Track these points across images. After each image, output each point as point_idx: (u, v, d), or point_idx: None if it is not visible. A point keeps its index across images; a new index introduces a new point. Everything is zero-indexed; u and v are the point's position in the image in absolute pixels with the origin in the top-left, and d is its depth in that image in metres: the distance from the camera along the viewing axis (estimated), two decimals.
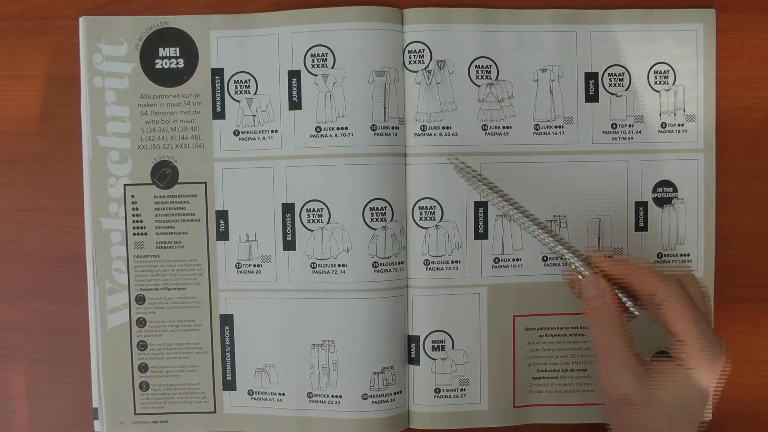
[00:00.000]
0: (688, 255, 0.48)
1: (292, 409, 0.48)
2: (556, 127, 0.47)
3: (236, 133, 0.47)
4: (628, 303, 0.41)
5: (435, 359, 0.47)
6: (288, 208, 0.47)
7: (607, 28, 0.47)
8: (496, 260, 0.48)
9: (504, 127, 0.47)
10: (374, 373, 0.47)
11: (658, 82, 0.48)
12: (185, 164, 0.47)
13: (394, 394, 0.47)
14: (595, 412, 0.48)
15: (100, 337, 0.48)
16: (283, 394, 0.48)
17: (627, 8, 0.47)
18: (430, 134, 0.47)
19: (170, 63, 0.47)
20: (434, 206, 0.47)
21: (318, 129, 0.46)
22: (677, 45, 0.48)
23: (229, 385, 0.48)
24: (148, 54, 0.47)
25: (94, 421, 0.48)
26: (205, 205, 0.48)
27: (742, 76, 0.48)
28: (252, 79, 0.47)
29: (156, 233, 0.47)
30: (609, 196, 0.48)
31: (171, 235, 0.48)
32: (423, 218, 0.47)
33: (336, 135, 0.46)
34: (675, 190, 0.48)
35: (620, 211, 0.48)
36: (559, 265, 0.47)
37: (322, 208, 0.47)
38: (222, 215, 0.48)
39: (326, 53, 0.46)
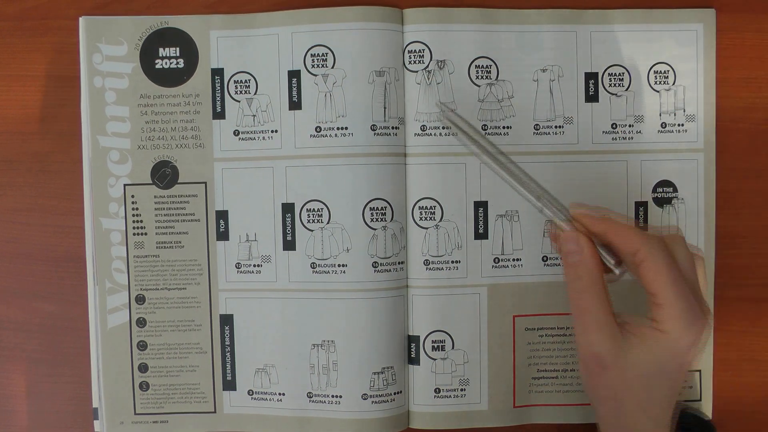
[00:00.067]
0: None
1: (292, 409, 0.48)
2: (556, 127, 0.47)
3: (236, 133, 0.47)
4: (609, 261, 0.39)
5: (435, 359, 0.47)
6: (288, 208, 0.47)
7: (607, 28, 0.47)
8: (496, 260, 0.48)
9: (504, 127, 0.47)
10: (374, 373, 0.47)
11: (658, 82, 0.48)
12: (185, 164, 0.47)
13: (394, 394, 0.47)
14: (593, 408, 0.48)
15: (100, 337, 0.48)
16: (283, 394, 0.48)
17: (627, 8, 0.47)
18: (430, 134, 0.47)
19: (170, 63, 0.47)
20: (434, 206, 0.47)
21: (318, 129, 0.46)
22: (677, 45, 0.48)
23: (229, 385, 0.48)
24: (148, 54, 0.47)
25: (94, 421, 0.48)
26: (205, 205, 0.48)
27: (742, 76, 0.48)
28: (252, 79, 0.47)
29: (156, 233, 0.47)
30: (609, 196, 0.48)
31: (171, 235, 0.48)
32: (423, 218, 0.47)
33: (336, 135, 0.46)
34: (675, 190, 0.48)
35: (620, 211, 0.48)
36: (558, 264, 0.47)
37: (322, 208, 0.47)
38: (222, 215, 0.48)
39: (326, 53, 0.46)
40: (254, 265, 0.48)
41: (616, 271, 0.39)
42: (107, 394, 0.48)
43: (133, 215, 0.47)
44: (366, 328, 0.46)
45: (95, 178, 0.47)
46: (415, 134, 0.47)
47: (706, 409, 0.49)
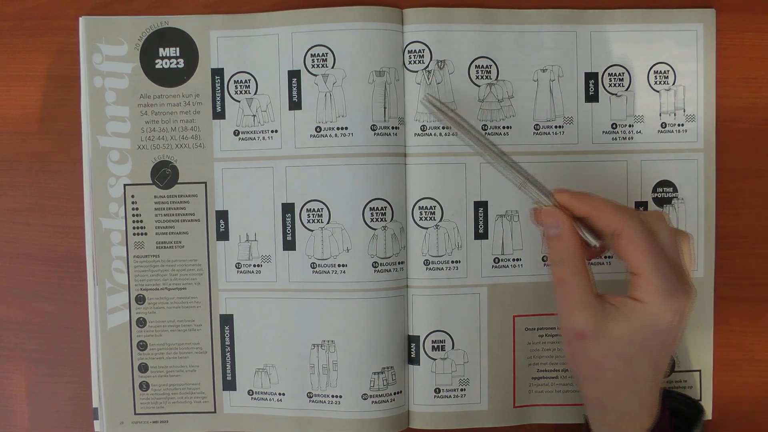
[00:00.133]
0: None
1: (292, 409, 0.48)
2: (556, 127, 0.47)
3: (236, 133, 0.47)
4: (589, 238, 0.39)
5: (435, 359, 0.47)
6: (288, 208, 0.47)
7: (607, 28, 0.47)
8: (496, 260, 0.48)
9: (504, 127, 0.47)
10: (374, 373, 0.47)
11: (658, 82, 0.48)
12: (185, 164, 0.47)
13: (394, 394, 0.47)
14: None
15: (100, 337, 0.48)
16: (283, 394, 0.48)
17: (627, 8, 0.47)
18: (430, 134, 0.47)
19: (170, 63, 0.47)
20: (434, 206, 0.47)
21: (318, 129, 0.46)
22: (677, 45, 0.48)
23: (229, 385, 0.48)
24: (148, 54, 0.47)
25: (94, 421, 0.48)
26: (205, 205, 0.48)
27: (742, 76, 0.48)
28: (252, 79, 0.47)
29: (156, 233, 0.47)
30: (609, 196, 0.47)
31: (171, 235, 0.48)
32: (423, 218, 0.47)
33: (336, 135, 0.46)
34: (675, 190, 0.48)
35: None
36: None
37: (322, 208, 0.47)
38: (222, 215, 0.48)
39: (326, 53, 0.46)
40: (254, 265, 0.48)
41: (594, 245, 0.39)
42: (107, 394, 0.48)
43: (133, 215, 0.47)
44: (366, 328, 0.46)
45: (95, 178, 0.47)
46: (415, 134, 0.47)
47: (706, 409, 0.49)
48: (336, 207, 0.46)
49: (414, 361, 0.48)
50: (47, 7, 0.48)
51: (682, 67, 0.48)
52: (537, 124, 0.47)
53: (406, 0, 0.47)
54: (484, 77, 0.47)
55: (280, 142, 0.47)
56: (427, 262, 0.47)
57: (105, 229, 0.47)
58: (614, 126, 0.48)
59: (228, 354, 0.48)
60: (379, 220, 0.46)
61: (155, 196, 0.47)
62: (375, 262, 0.46)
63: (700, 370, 0.49)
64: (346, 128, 0.46)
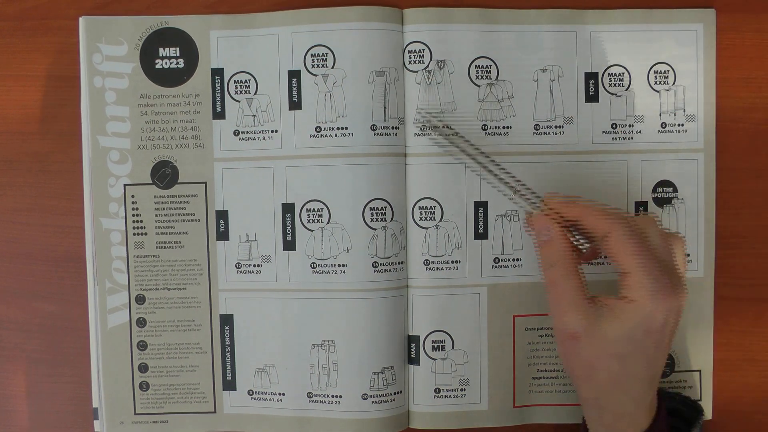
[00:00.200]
0: (689, 255, 0.48)
1: (292, 409, 0.48)
2: (556, 127, 0.47)
3: (236, 133, 0.47)
4: (580, 242, 0.40)
5: (435, 359, 0.47)
6: (288, 208, 0.47)
7: (607, 28, 0.47)
8: (496, 260, 0.48)
9: (504, 127, 0.47)
10: (374, 373, 0.47)
11: (658, 82, 0.48)
12: (185, 164, 0.47)
13: (394, 394, 0.47)
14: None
15: (100, 337, 0.48)
16: (283, 394, 0.48)
17: (627, 8, 0.47)
18: (431, 134, 0.46)
19: (170, 63, 0.47)
20: (434, 206, 0.47)
21: (318, 129, 0.46)
22: (677, 45, 0.48)
23: (229, 385, 0.48)
24: (148, 54, 0.47)
25: (94, 421, 0.48)
26: (205, 205, 0.48)
27: (742, 76, 0.48)
28: (252, 79, 0.47)
29: (156, 233, 0.47)
30: (609, 196, 0.48)
31: (171, 235, 0.48)
32: (423, 218, 0.47)
33: (336, 135, 0.46)
34: (675, 190, 0.48)
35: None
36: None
37: (322, 208, 0.47)
38: (222, 215, 0.48)
39: (326, 53, 0.46)
40: (254, 265, 0.48)
41: (584, 248, 0.40)
42: (107, 394, 0.48)
43: (133, 215, 0.47)
44: (366, 328, 0.46)
45: (95, 178, 0.47)
46: (415, 134, 0.47)
47: (706, 409, 0.49)
48: (336, 207, 0.46)
49: (414, 361, 0.48)
50: (47, 7, 0.48)
51: (682, 67, 0.48)
52: (537, 124, 0.47)
53: (406, 0, 0.47)
54: (484, 77, 0.47)
55: (280, 142, 0.47)
56: (427, 262, 0.47)
57: (105, 229, 0.47)
58: (614, 126, 0.48)
59: (228, 354, 0.48)
60: (379, 220, 0.46)
61: (155, 196, 0.47)
62: (375, 262, 0.46)
63: (700, 370, 0.49)
64: (346, 128, 0.46)
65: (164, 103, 0.47)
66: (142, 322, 0.48)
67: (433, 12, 0.46)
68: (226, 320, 0.48)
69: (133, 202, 0.47)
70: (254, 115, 0.47)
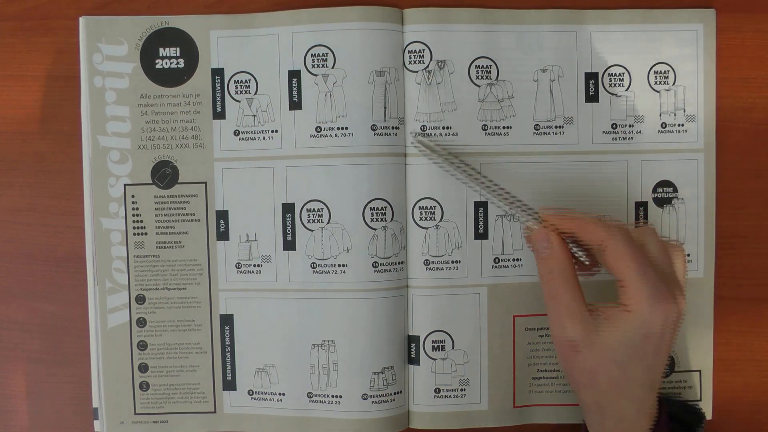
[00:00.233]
0: (689, 255, 0.48)
1: (292, 409, 0.48)
2: (556, 127, 0.47)
3: (236, 133, 0.47)
4: (579, 254, 0.41)
5: (435, 359, 0.47)
6: (288, 208, 0.47)
7: (607, 28, 0.47)
8: (497, 260, 0.48)
9: (504, 128, 0.47)
10: (374, 373, 0.47)
11: (658, 82, 0.48)
12: (185, 164, 0.47)
13: (394, 394, 0.47)
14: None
15: (100, 337, 0.48)
16: (283, 394, 0.48)
17: (627, 8, 0.47)
18: (430, 134, 0.47)
19: (170, 63, 0.47)
20: (434, 206, 0.47)
21: (318, 129, 0.46)
22: (677, 45, 0.48)
23: (229, 385, 0.48)
24: (148, 54, 0.47)
25: (94, 421, 0.48)
26: (206, 205, 0.48)
27: (742, 76, 0.48)
28: (252, 79, 0.47)
29: (156, 233, 0.47)
30: (609, 196, 0.48)
31: (171, 235, 0.48)
32: (423, 218, 0.47)
33: (336, 135, 0.46)
34: (675, 190, 0.48)
35: (620, 211, 0.48)
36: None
37: (322, 208, 0.47)
38: (222, 215, 0.48)
39: (326, 53, 0.46)
40: (254, 265, 0.48)
41: (585, 261, 0.41)
42: (107, 394, 0.48)
43: (133, 215, 0.47)
44: (366, 328, 0.46)
45: (95, 178, 0.47)
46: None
47: (706, 409, 0.49)
48: (336, 207, 0.46)
49: (414, 361, 0.48)
50: (47, 7, 0.48)
51: (682, 67, 0.48)
52: (537, 124, 0.47)
53: (406, 0, 0.47)
54: (485, 77, 0.47)
55: (281, 142, 0.47)
56: (427, 262, 0.47)
57: (105, 229, 0.47)
58: (614, 126, 0.48)
59: (228, 354, 0.48)
60: (380, 220, 0.46)
61: (155, 196, 0.47)
62: (375, 262, 0.46)
63: (700, 370, 0.49)
64: (347, 128, 0.46)
65: (164, 103, 0.47)
66: (142, 322, 0.48)
67: (433, 12, 0.46)
68: (226, 320, 0.48)
69: (133, 202, 0.47)
70: (254, 115, 0.47)
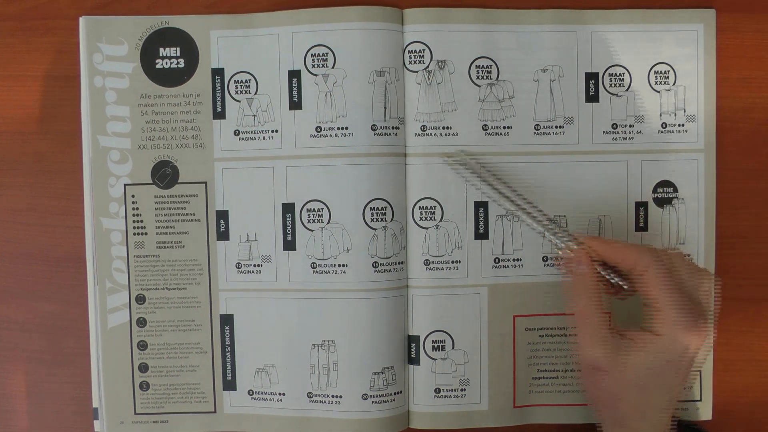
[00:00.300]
0: (689, 255, 0.48)
1: (292, 409, 0.48)
2: (556, 127, 0.47)
3: (236, 133, 0.47)
4: (617, 279, 0.42)
5: (435, 359, 0.47)
6: (288, 208, 0.47)
7: (607, 28, 0.47)
8: (497, 260, 0.48)
9: (504, 128, 0.47)
10: (374, 373, 0.47)
11: (658, 83, 0.48)
12: (185, 164, 0.47)
13: (394, 394, 0.47)
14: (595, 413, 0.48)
15: (100, 337, 0.48)
16: (283, 394, 0.48)
17: (627, 8, 0.47)
18: (431, 134, 0.47)
19: (170, 63, 0.47)
20: (434, 206, 0.47)
21: (318, 129, 0.46)
22: (677, 45, 0.48)
23: (229, 385, 0.48)
24: (148, 54, 0.47)
25: (94, 421, 0.48)
26: (206, 205, 0.48)
27: (742, 76, 0.48)
28: (252, 79, 0.47)
29: (156, 233, 0.47)
30: (609, 196, 0.48)
31: (171, 235, 0.48)
32: (423, 218, 0.47)
33: (336, 135, 0.46)
34: (675, 190, 0.48)
35: (620, 211, 0.48)
36: (557, 264, 0.47)
37: (322, 208, 0.47)
38: (222, 215, 0.48)
39: (326, 53, 0.46)
40: (254, 265, 0.48)
41: (624, 286, 0.42)
42: (107, 394, 0.48)
43: (134, 215, 0.47)
44: (366, 328, 0.46)
45: (95, 178, 0.47)
46: (416, 134, 0.47)
47: (706, 408, 0.49)
48: (336, 207, 0.46)
49: (414, 361, 0.48)
50: (47, 7, 0.48)
51: (683, 67, 0.48)
52: (537, 124, 0.47)
53: (406, 0, 0.47)
54: (485, 77, 0.47)
55: (281, 142, 0.47)
56: (427, 262, 0.47)
57: (105, 228, 0.47)
58: (614, 126, 0.48)
59: (228, 354, 0.48)
60: (380, 220, 0.46)
61: (155, 196, 0.47)
62: (375, 262, 0.46)
63: (700, 371, 0.49)
64: (347, 128, 0.46)
65: (164, 103, 0.47)
66: (142, 322, 0.48)
67: (434, 12, 0.46)
68: (227, 320, 0.48)
69: (133, 202, 0.47)
70: (254, 115, 0.47)
